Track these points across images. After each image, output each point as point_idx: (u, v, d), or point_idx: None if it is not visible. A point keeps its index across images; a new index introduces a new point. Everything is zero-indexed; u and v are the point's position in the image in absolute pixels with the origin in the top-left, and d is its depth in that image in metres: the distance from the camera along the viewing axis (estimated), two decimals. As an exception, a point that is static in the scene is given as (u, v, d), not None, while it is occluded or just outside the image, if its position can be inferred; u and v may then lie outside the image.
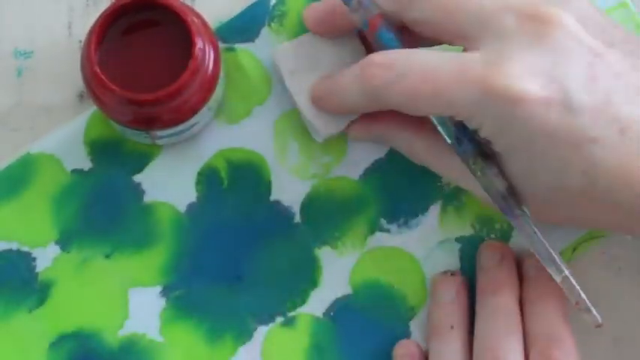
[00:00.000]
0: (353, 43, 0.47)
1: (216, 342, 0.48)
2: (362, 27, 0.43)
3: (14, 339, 0.47)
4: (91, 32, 0.45)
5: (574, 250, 0.49)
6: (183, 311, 0.48)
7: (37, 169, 0.49)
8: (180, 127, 0.47)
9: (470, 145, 0.41)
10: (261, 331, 0.48)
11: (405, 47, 0.42)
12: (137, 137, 0.48)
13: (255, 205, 0.49)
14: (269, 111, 0.50)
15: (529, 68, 0.37)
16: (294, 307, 0.49)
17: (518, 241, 0.49)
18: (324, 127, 0.46)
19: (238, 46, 0.50)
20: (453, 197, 0.50)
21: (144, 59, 0.45)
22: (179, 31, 0.44)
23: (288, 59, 0.47)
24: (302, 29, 0.50)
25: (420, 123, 0.45)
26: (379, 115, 0.45)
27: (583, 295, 0.42)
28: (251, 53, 0.50)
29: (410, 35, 0.42)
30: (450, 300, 0.46)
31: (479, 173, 0.41)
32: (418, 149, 0.45)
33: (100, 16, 0.44)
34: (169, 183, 0.49)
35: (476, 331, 0.45)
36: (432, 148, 0.44)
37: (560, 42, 0.38)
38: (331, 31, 0.46)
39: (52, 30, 0.50)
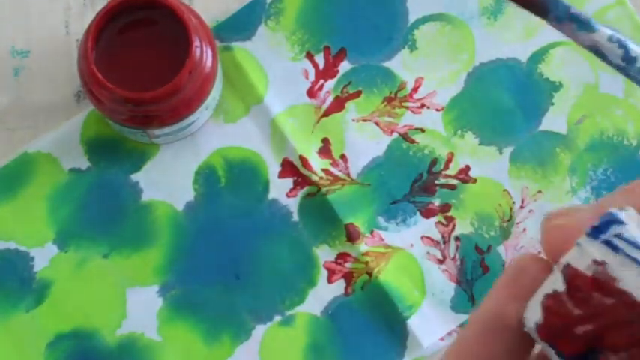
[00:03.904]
0: None
1: (215, 341, 0.48)
2: None
3: (12, 338, 0.47)
4: (88, 31, 0.44)
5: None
6: (181, 310, 0.48)
7: (34, 169, 0.49)
8: (178, 126, 0.46)
9: None
10: (260, 330, 0.48)
11: None
12: (134, 136, 0.48)
13: (253, 203, 0.49)
14: (266, 109, 0.50)
15: None
16: (292, 305, 0.48)
17: (514, 242, 0.49)
18: None
19: (235, 44, 0.50)
20: (452, 195, 0.50)
21: (141, 58, 0.45)
22: (176, 29, 0.44)
23: None
24: (298, 27, 0.51)
25: None
26: None
27: None
28: (248, 52, 0.50)
29: None
30: None
31: None
32: None
33: (97, 15, 0.44)
34: (167, 182, 0.49)
35: None
36: None
37: None
38: None
39: (49, 29, 0.50)
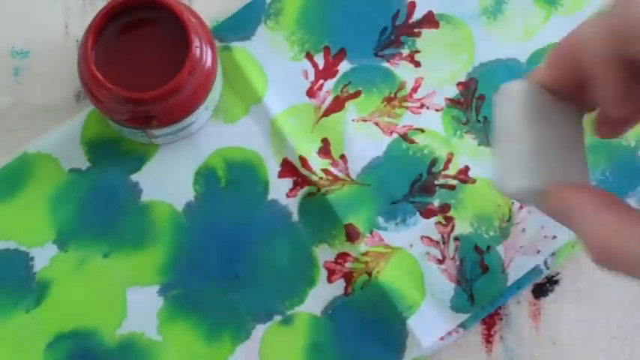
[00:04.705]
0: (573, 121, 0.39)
1: (215, 341, 0.48)
2: None
3: (12, 339, 0.47)
4: (87, 31, 0.45)
5: (573, 246, 0.50)
6: (181, 310, 0.48)
7: (34, 169, 0.49)
8: (177, 126, 0.47)
9: None
10: (260, 330, 0.48)
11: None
12: (134, 136, 0.48)
13: (253, 204, 0.49)
14: (266, 109, 0.50)
15: None
16: (292, 305, 0.49)
17: (514, 242, 0.49)
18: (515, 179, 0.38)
19: (235, 44, 0.50)
20: (451, 196, 0.50)
21: (141, 58, 0.45)
22: (176, 30, 0.44)
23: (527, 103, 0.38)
24: (298, 26, 0.51)
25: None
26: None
27: None
28: (248, 52, 0.50)
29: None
30: None
31: None
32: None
33: (97, 15, 0.45)
34: (167, 182, 0.49)
35: None
36: None
37: None
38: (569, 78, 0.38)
39: (48, 29, 0.51)
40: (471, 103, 0.51)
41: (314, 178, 0.49)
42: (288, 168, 0.50)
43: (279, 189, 0.49)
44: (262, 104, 0.50)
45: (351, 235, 0.49)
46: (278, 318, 0.48)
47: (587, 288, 0.50)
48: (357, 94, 0.50)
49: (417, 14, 0.51)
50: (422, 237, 0.49)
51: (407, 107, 0.51)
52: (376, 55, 0.51)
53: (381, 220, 0.49)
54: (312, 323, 0.48)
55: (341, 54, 0.51)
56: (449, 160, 0.50)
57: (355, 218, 0.49)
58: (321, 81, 0.50)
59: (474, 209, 0.50)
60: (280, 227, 0.49)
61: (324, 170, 0.49)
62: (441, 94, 0.51)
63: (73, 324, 0.48)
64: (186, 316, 0.48)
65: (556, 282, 0.50)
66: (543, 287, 0.50)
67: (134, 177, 0.49)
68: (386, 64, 0.51)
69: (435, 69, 0.51)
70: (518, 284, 0.49)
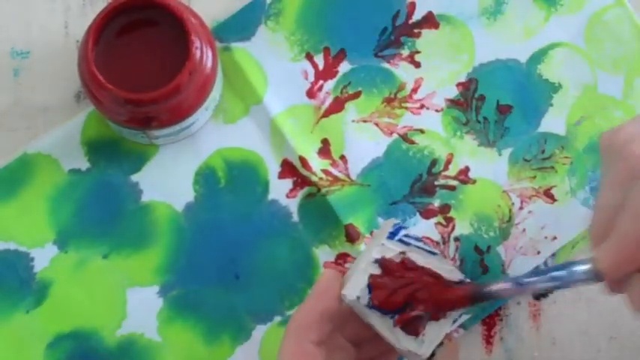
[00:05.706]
0: None
1: (215, 341, 0.48)
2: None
3: (12, 339, 0.47)
4: (87, 32, 0.45)
5: (573, 247, 0.50)
6: (181, 311, 0.48)
7: (34, 170, 0.49)
8: (178, 127, 0.47)
9: None
10: (260, 330, 0.48)
11: None
12: (134, 137, 0.48)
13: (253, 204, 0.49)
14: (266, 110, 0.50)
15: None
16: (292, 306, 0.48)
17: (514, 242, 0.49)
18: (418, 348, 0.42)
19: (235, 45, 0.50)
20: (452, 196, 0.50)
21: (141, 59, 0.45)
22: (176, 30, 0.44)
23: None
24: (298, 27, 0.51)
25: None
26: None
27: None
28: (248, 52, 0.50)
29: None
30: None
31: None
32: None
33: (97, 16, 0.45)
34: (167, 183, 0.49)
35: None
36: None
37: None
38: None
39: (48, 30, 0.50)
40: (471, 104, 0.51)
41: (314, 178, 0.49)
42: (288, 168, 0.50)
43: (279, 189, 0.49)
44: (262, 105, 0.50)
45: (352, 236, 0.49)
46: (278, 318, 0.48)
47: (587, 288, 0.49)
48: (357, 95, 0.50)
49: (417, 15, 0.51)
50: (422, 237, 0.49)
51: (407, 108, 0.51)
52: (376, 55, 0.51)
53: (381, 220, 0.49)
54: (312, 324, 0.48)
55: (341, 55, 0.51)
56: (449, 161, 0.50)
57: (355, 219, 0.49)
58: (321, 81, 0.50)
59: (474, 210, 0.50)
60: (280, 228, 0.49)
61: (324, 171, 0.49)
62: (440, 95, 0.51)
63: (73, 324, 0.48)
64: (186, 316, 0.48)
65: (556, 282, 0.50)
66: (543, 288, 0.50)
67: (134, 177, 0.49)
68: (386, 65, 0.51)
69: (435, 69, 0.51)
70: (518, 285, 0.49)
